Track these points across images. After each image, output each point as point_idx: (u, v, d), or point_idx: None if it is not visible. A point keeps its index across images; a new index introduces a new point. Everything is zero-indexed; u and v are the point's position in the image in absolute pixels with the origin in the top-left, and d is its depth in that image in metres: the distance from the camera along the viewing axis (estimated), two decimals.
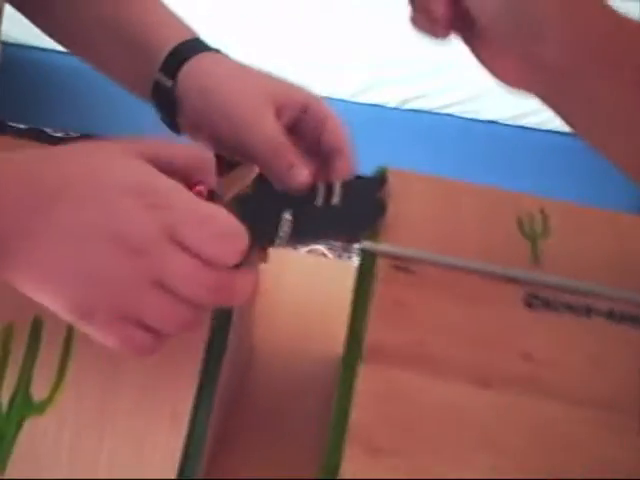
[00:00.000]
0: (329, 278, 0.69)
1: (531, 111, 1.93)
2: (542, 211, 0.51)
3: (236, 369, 0.56)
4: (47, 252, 0.38)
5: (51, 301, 0.39)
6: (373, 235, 0.47)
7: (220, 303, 0.40)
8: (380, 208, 0.48)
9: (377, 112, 2.01)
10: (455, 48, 1.75)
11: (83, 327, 0.40)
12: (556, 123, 1.96)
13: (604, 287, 0.46)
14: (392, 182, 0.51)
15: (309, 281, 0.69)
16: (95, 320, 0.39)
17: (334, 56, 1.99)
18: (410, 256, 0.46)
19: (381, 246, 0.46)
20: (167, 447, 0.46)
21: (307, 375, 0.56)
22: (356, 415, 0.47)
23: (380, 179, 0.51)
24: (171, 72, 0.56)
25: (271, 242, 0.47)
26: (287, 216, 0.47)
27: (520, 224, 0.50)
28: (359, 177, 0.53)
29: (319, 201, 0.50)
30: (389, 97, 2.01)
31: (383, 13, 1.95)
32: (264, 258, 0.51)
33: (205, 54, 0.57)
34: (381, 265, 0.46)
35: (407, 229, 0.47)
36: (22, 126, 2.18)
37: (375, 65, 1.98)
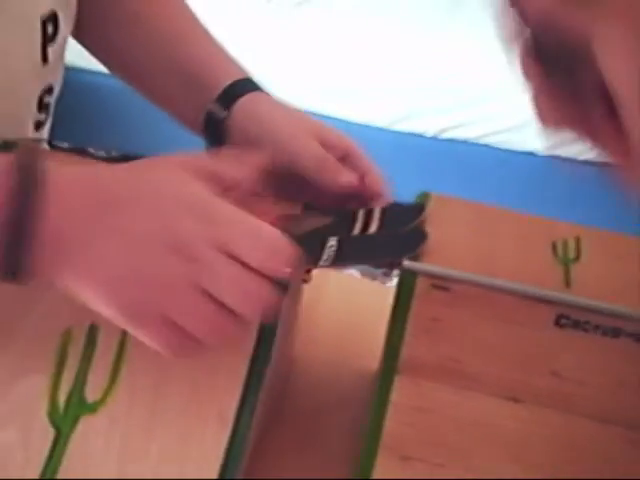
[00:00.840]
0: (367, 298, 0.72)
1: (566, 141, 1.95)
2: (576, 237, 0.54)
3: (278, 378, 0.58)
4: (105, 257, 0.41)
5: (105, 305, 0.42)
6: (415, 256, 0.49)
7: (257, 313, 0.43)
8: (420, 234, 0.51)
9: (415, 141, 2.04)
10: (493, 80, 1.78)
11: (133, 329, 0.43)
12: (591, 154, 1.97)
13: (632, 309, 0.48)
14: (433, 206, 0.54)
15: (348, 300, 0.71)
16: (144, 322, 0.42)
17: (374, 84, 2.03)
18: (447, 275, 0.48)
19: (420, 265, 0.48)
20: (212, 447, 0.49)
21: (343, 388, 0.59)
22: (390, 424, 0.50)
23: (420, 205, 0.54)
24: (226, 104, 0.60)
25: (315, 264, 0.50)
26: (332, 242, 0.50)
27: (554, 249, 0.52)
28: (398, 204, 0.56)
29: (358, 228, 0.53)
30: (427, 126, 2.04)
31: (424, 44, 1.99)
32: (307, 279, 0.54)
33: (257, 92, 0.62)
34: (420, 283, 0.48)
35: (446, 251, 0.50)
36: (65, 145, 2.24)
37: (414, 94, 2.01)
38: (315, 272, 0.65)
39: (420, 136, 2.04)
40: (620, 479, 0.50)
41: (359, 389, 0.61)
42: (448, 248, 0.50)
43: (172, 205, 0.42)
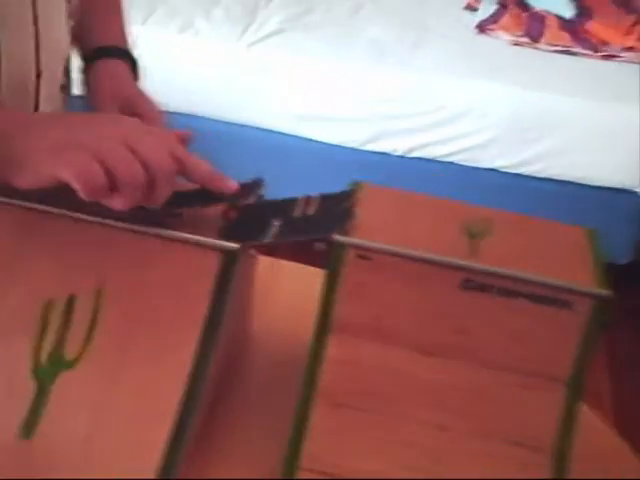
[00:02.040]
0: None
1: (527, 161, 2.07)
2: (487, 217, 0.63)
3: (233, 342, 0.67)
4: (51, 134, 0.57)
5: (51, 158, 0.56)
6: (343, 231, 0.58)
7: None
8: (348, 214, 0.60)
9: (384, 159, 2.14)
10: (458, 104, 1.90)
11: (56, 161, 0.56)
12: (551, 172, 2.08)
13: (527, 274, 0.57)
14: (363, 192, 0.63)
15: (302, 284, 0.79)
16: (69, 154, 0.55)
17: (348, 111, 2.13)
18: (370, 247, 0.57)
19: (348, 239, 0.57)
20: (168, 401, 0.57)
21: (296, 357, 0.66)
22: (323, 376, 0.59)
23: (352, 191, 0.63)
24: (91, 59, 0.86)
25: (260, 241, 0.59)
26: (275, 222, 0.60)
27: (466, 226, 0.61)
28: (335, 192, 0.65)
29: (299, 211, 0.62)
30: (396, 146, 2.14)
31: (393, 75, 2.10)
32: (255, 254, 0.63)
33: (115, 61, 0.86)
34: (347, 254, 0.57)
35: (370, 227, 0.59)
36: None
37: (383, 118, 2.12)
38: (270, 262, 0.74)
39: (389, 155, 2.15)
40: (519, 417, 0.58)
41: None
42: (373, 225, 0.59)
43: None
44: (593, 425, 0.73)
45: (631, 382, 2.10)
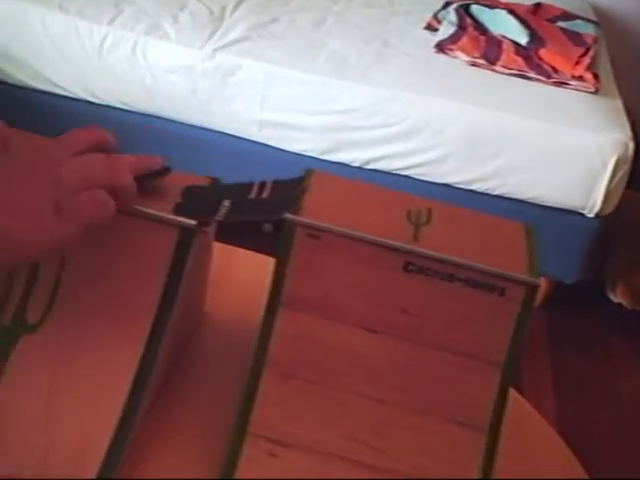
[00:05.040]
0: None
1: (480, 177, 2.13)
2: (428, 208, 0.67)
3: (185, 318, 0.70)
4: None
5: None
6: (294, 211, 0.62)
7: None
8: (299, 198, 0.64)
9: (342, 170, 2.18)
10: (417, 119, 1.97)
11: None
12: (503, 189, 2.15)
13: (463, 259, 0.61)
14: (315, 179, 0.67)
15: (257, 269, 0.83)
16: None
17: (310, 118, 2.18)
18: (319, 227, 0.61)
19: (299, 218, 0.61)
20: (125, 363, 0.61)
21: (249, 335, 0.70)
22: (273, 348, 0.62)
23: (303, 178, 0.67)
24: None
25: (211, 218, 0.62)
26: (226, 203, 0.63)
27: (408, 214, 0.65)
28: (288, 179, 0.69)
29: (253, 194, 0.66)
30: (354, 157, 2.20)
31: (354, 90, 2.15)
32: (207, 230, 0.66)
33: None
34: (298, 232, 0.61)
35: (320, 209, 0.62)
36: None
37: (343, 130, 2.17)
38: (224, 248, 0.77)
39: (347, 165, 2.20)
40: (457, 396, 0.62)
41: None
42: (322, 208, 0.63)
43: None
44: (534, 422, 0.78)
45: (575, 400, 2.16)
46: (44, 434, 0.60)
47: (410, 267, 0.61)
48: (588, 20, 2.75)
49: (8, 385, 0.60)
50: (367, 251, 0.61)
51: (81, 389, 0.60)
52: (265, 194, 0.65)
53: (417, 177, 2.18)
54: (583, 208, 2.15)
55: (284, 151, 2.22)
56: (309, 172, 0.67)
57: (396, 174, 2.18)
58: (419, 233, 0.63)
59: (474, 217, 0.69)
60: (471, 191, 2.17)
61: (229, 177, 0.67)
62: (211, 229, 0.71)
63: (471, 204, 2.17)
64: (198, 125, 2.23)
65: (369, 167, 2.19)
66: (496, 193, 2.16)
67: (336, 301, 0.62)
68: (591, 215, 2.16)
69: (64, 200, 0.55)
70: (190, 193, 0.65)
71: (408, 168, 2.17)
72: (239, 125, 2.21)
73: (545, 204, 2.16)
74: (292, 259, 0.61)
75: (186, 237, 0.62)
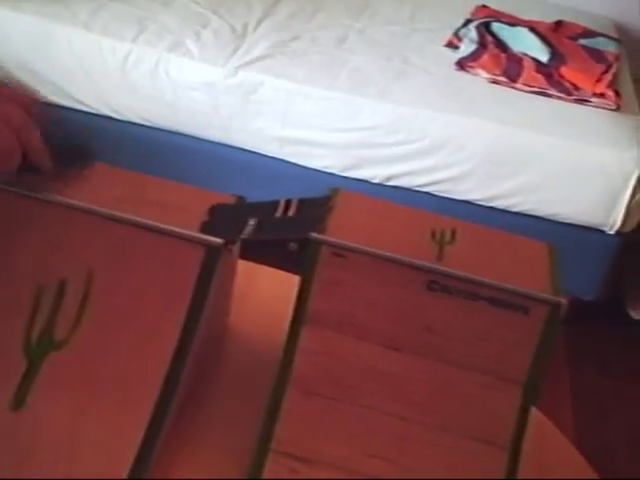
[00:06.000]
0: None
1: (501, 195, 2.13)
2: (452, 227, 0.68)
3: (211, 330, 0.71)
4: None
5: None
6: (319, 230, 0.63)
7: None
8: (324, 217, 0.64)
9: (363, 186, 2.19)
10: (437, 137, 1.97)
11: None
12: (524, 207, 2.15)
13: (486, 279, 0.62)
14: (341, 198, 0.68)
15: (280, 285, 0.84)
16: None
17: (331, 135, 2.19)
18: (345, 245, 0.62)
19: (324, 237, 0.62)
20: (151, 379, 0.61)
21: (274, 351, 0.70)
22: (296, 366, 0.63)
23: (329, 197, 0.68)
24: None
25: (237, 236, 0.63)
26: (251, 221, 0.64)
27: (433, 233, 0.66)
28: (314, 197, 0.70)
29: (278, 213, 0.67)
30: (375, 174, 2.20)
31: (375, 107, 2.16)
32: (232, 249, 0.67)
33: None
34: (323, 251, 0.62)
35: (345, 228, 0.64)
36: None
37: (365, 147, 2.18)
38: (248, 266, 0.78)
39: (368, 182, 2.20)
40: (480, 414, 0.63)
41: None
42: (348, 227, 0.64)
43: None
44: (554, 439, 0.78)
45: (594, 419, 2.15)
46: (68, 462, 0.60)
47: (434, 286, 0.62)
48: (610, 37, 2.75)
49: (33, 408, 0.61)
50: (391, 270, 0.61)
51: (106, 409, 0.61)
52: (291, 212, 0.66)
53: (438, 194, 2.18)
54: (604, 225, 2.14)
55: (305, 168, 2.23)
56: (335, 191, 0.68)
57: (417, 191, 2.19)
58: (443, 252, 0.64)
59: (498, 236, 0.69)
60: (491, 208, 2.16)
61: (250, 193, 0.68)
62: (236, 246, 0.72)
63: (491, 221, 2.18)
64: (219, 142, 2.24)
65: (390, 184, 2.20)
66: (516, 210, 2.16)
67: (360, 319, 0.63)
68: (612, 232, 2.15)
69: None
70: (216, 211, 0.66)
71: (429, 185, 2.17)
72: (260, 142, 2.22)
73: (566, 221, 2.16)
74: (317, 277, 0.62)
75: (212, 255, 0.63)
